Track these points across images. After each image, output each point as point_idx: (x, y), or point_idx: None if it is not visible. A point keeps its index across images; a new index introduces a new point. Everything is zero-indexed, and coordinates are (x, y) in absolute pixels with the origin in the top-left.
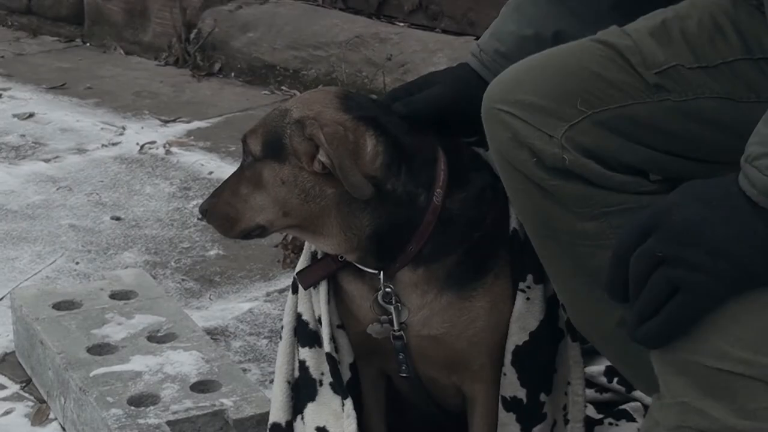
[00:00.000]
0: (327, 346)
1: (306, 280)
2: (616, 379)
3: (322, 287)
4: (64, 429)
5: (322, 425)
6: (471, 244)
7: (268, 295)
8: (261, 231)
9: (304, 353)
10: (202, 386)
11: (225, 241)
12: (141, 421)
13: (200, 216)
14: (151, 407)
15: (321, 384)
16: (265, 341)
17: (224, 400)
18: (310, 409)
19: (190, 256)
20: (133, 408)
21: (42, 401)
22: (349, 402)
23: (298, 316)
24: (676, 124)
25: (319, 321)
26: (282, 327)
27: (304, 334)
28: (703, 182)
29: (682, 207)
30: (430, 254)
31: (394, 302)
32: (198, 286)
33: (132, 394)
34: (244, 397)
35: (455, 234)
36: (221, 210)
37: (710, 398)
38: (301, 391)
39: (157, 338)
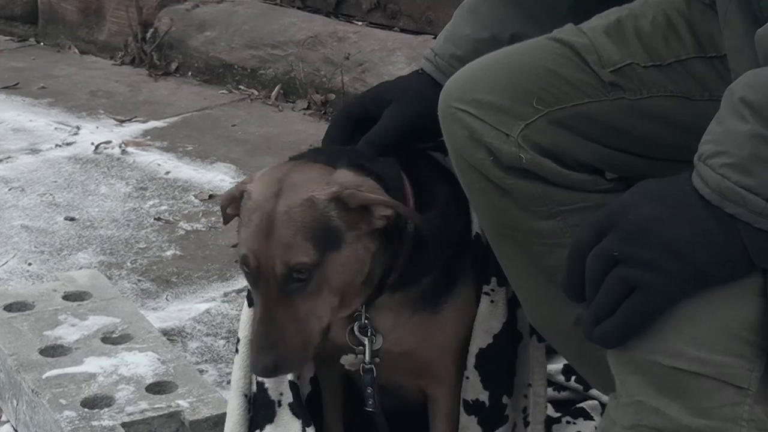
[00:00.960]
0: (290, 375)
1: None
2: (573, 378)
3: None
4: (16, 431)
5: None
6: (444, 261)
7: (225, 295)
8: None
9: None
10: (157, 387)
11: (182, 242)
12: (95, 423)
13: (265, 374)
14: (106, 409)
15: (280, 405)
16: (222, 342)
17: (180, 402)
18: (268, 430)
19: (147, 256)
20: (86, 410)
21: None
22: (311, 429)
23: None
24: (632, 123)
25: None
26: (238, 339)
27: None
28: (657, 181)
29: (636, 206)
30: (407, 279)
31: (369, 334)
32: (154, 287)
33: (86, 396)
34: (201, 399)
35: (430, 256)
36: (290, 349)
37: (666, 397)
38: (259, 411)
39: (112, 339)
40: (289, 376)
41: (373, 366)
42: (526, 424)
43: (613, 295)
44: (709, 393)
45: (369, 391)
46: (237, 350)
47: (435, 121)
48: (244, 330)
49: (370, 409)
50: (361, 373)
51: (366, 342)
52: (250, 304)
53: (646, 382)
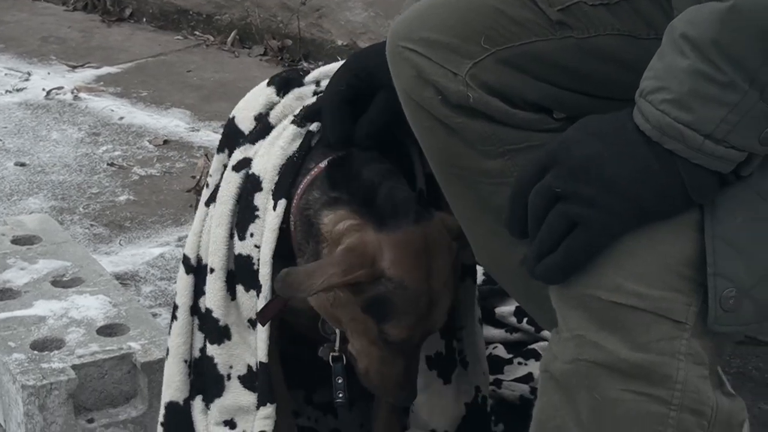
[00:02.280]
0: (263, 357)
1: (265, 317)
2: (525, 320)
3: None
4: None
5: (229, 418)
6: None
7: (180, 239)
8: None
9: (213, 350)
10: (109, 330)
11: (135, 187)
12: (44, 365)
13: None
14: (56, 351)
15: (229, 378)
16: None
17: (132, 344)
18: (217, 404)
19: (99, 201)
20: (36, 352)
21: None
22: (272, 407)
23: (208, 312)
24: (579, 62)
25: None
26: (175, 306)
27: (214, 330)
28: (599, 118)
29: (578, 143)
30: None
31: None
32: (107, 232)
33: (35, 339)
34: (153, 341)
35: None
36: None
37: (605, 331)
38: (209, 385)
39: (62, 283)
40: (262, 358)
41: (343, 355)
42: (465, 364)
43: (555, 232)
44: (647, 327)
45: (339, 381)
46: (175, 317)
47: None
48: (182, 296)
49: (339, 401)
50: (331, 364)
51: (337, 331)
52: (188, 272)
53: (586, 317)
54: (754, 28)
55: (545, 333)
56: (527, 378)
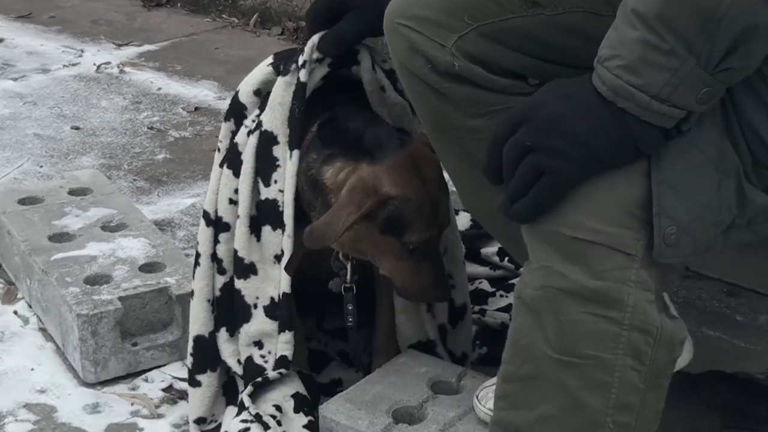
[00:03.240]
0: (287, 288)
1: (291, 267)
2: (506, 259)
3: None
4: (30, 306)
5: (257, 340)
6: None
7: None
8: None
9: (240, 284)
10: (149, 267)
11: (171, 147)
12: (95, 297)
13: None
14: (105, 285)
15: (255, 307)
16: None
17: (168, 279)
18: (245, 329)
19: (141, 159)
20: (88, 286)
21: (11, 283)
22: (291, 334)
23: (234, 252)
24: (550, 35)
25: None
26: (198, 254)
27: (241, 268)
28: (564, 81)
29: (546, 103)
30: None
31: (350, 258)
32: (147, 185)
33: (88, 275)
34: (186, 276)
35: None
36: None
37: (568, 262)
38: (237, 313)
39: (110, 228)
40: (285, 288)
41: (353, 285)
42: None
43: (526, 179)
44: (603, 259)
45: (349, 308)
46: (198, 263)
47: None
48: (203, 246)
49: (350, 324)
50: (343, 293)
51: (348, 265)
52: (208, 224)
53: (552, 250)
54: (691, 3)
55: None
56: (508, 308)
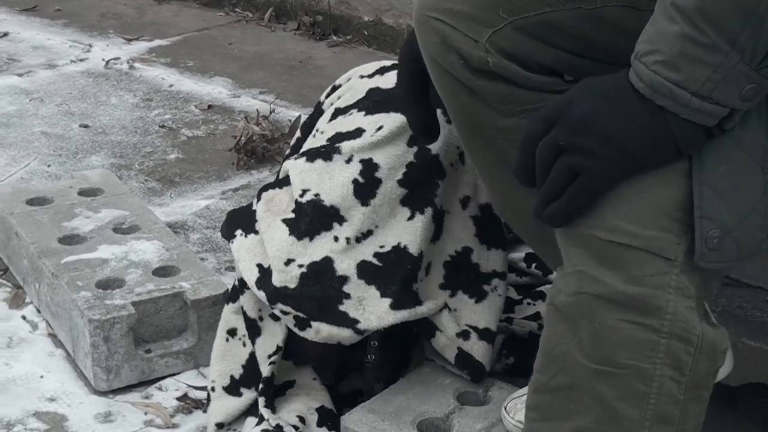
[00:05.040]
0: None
1: None
2: (534, 265)
3: None
4: (39, 310)
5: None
6: None
7: (223, 193)
8: None
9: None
10: (163, 271)
11: (184, 146)
12: (108, 302)
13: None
14: (117, 290)
15: (261, 319)
16: (220, 234)
17: (183, 284)
18: (258, 342)
19: (152, 159)
20: (100, 290)
21: (18, 287)
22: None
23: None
24: (587, 30)
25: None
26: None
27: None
28: (599, 79)
29: (580, 101)
30: None
31: None
32: (159, 186)
33: (99, 279)
34: (201, 281)
35: None
36: None
37: (604, 267)
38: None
39: (122, 230)
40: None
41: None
42: None
43: (560, 180)
44: (640, 263)
45: (373, 344)
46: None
47: None
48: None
49: (368, 363)
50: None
51: None
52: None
53: (587, 254)
54: None
55: (551, 277)
56: (535, 316)
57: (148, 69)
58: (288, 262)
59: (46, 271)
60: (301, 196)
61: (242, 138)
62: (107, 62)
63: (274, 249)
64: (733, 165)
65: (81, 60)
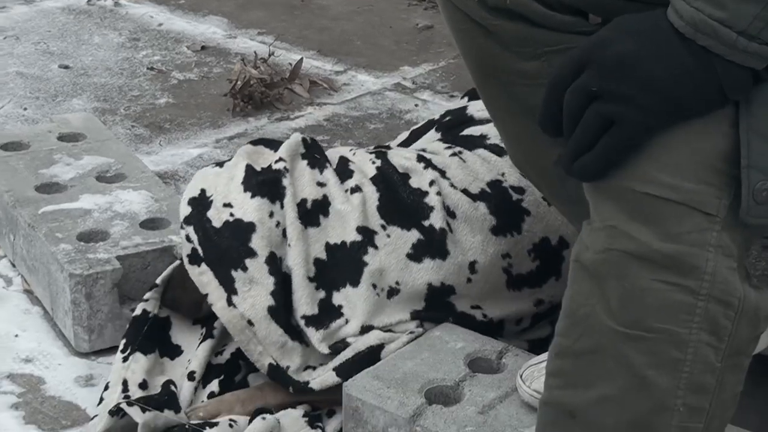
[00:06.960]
0: None
1: None
2: None
3: None
4: (13, 264)
5: None
6: None
7: (217, 141)
8: None
9: None
10: (151, 224)
11: (174, 90)
12: (91, 255)
13: None
14: (101, 243)
15: None
16: None
17: (173, 237)
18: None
19: (140, 103)
20: (82, 243)
21: None
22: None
23: None
24: None
25: None
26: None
27: None
28: (634, 17)
29: (614, 41)
30: None
31: None
32: (148, 132)
33: (81, 231)
34: None
35: None
36: None
37: (637, 222)
38: None
39: (106, 178)
40: None
41: None
42: None
43: (591, 130)
44: (679, 219)
45: None
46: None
47: None
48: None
49: None
50: None
51: None
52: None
53: (620, 208)
54: None
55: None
56: None
57: (135, 6)
58: (226, 205)
59: (22, 221)
60: (276, 162)
61: (238, 82)
62: None
63: (222, 185)
64: None
65: None
